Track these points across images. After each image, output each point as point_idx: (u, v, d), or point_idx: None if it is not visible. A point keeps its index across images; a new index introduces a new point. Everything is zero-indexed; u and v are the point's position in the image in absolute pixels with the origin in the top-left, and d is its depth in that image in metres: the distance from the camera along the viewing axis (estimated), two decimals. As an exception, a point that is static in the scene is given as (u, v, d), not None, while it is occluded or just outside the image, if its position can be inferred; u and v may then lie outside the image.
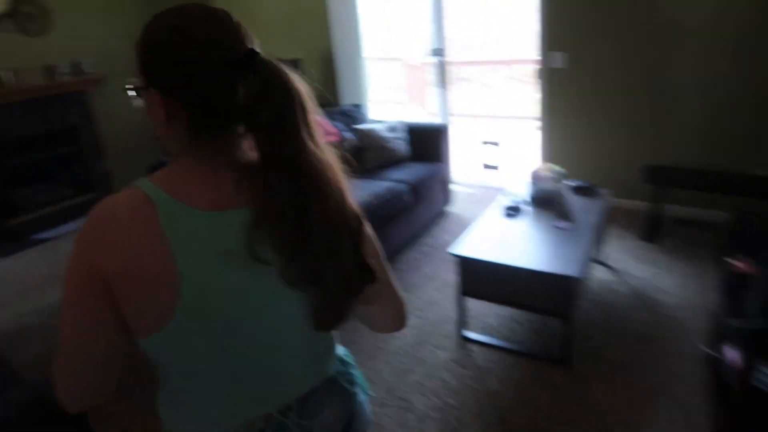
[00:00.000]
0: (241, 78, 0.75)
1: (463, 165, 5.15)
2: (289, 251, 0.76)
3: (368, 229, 0.87)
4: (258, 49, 0.78)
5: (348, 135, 4.00)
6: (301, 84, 0.79)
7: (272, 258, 0.77)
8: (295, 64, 5.00)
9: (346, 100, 5.15)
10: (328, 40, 5.08)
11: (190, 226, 0.75)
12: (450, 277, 3.28)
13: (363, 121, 4.27)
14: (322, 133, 0.82)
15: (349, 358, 1.05)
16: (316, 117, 0.81)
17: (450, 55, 4.81)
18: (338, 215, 0.79)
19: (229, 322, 0.79)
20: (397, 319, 0.97)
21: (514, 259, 2.48)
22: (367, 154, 3.99)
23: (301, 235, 0.76)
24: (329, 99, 5.28)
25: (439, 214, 4.23)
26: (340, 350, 1.03)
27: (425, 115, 6.70)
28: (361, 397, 1.02)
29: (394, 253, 3.62)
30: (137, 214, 0.74)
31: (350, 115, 4.21)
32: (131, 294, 0.74)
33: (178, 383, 0.85)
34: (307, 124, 0.78)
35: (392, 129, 4.09)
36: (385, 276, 0.91)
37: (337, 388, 0.96)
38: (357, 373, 1.04)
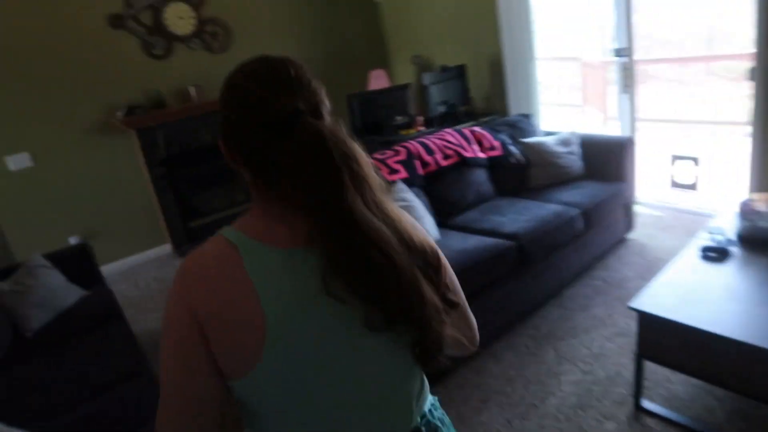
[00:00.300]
0: (284, 138, 0.77)
1: (648, 181, 4.44)
2: (365, 295, 0.77)
3: (443, 257, 0.90)
4: (304, 107, 0.80)
5: (513, 149, 3.62)
6: (350, 146, 0.79)
7: (349, 299, 0.77)
8: (460, 70, 4.72)
9: (515, 108, 4.74)
10: (497, 42, 4.71)
11: (271, 264, 0.78)
12: (627, 323, 2.76)
13: (532, 133, 3.85)
14: (382, 189, 0.83)
15: (439, 412, 1.01)
16: (372, 174, 0.81)
17: (639, 53, 4.15)
18: (407, 259, 0.79)
19: (314, 363, 0.80)
20: (471, 343, 0.97)
21: (715, 323, 1.93)
22: (534, 171, 3.58)
23: (371, 280, 0.76)
24: (496, 108, 4.92)
25: (618, 242, 3.64)
26: (429, 399, 1.00)
27: (604, 121, 5.98)
28: None
29: (559, 287, 3.18)
30: (223, 260, 0.78)
31: (517, 127, 3.81)
32: (223, 337, 0.77)
33: (269, 426, 0.85)
34: (359, 186, 0.78)
35: (564, 142, 3.62)
36: (463, 301, 0.93)
37: None
38: (445, 423, 1.01)
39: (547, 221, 2.99)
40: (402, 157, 3.20)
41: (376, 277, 0.76)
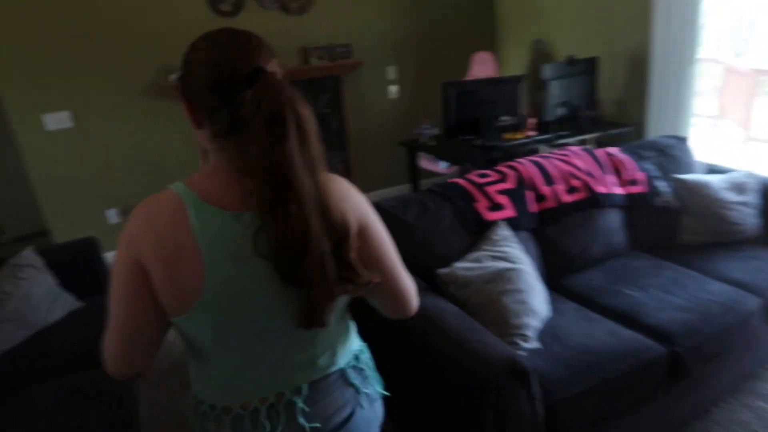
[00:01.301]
0: (243, 92, 0.83)
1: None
2: (279, 255, 0.84)
3: (376, 225, 0.99)
4: (269, 69, 0.87)
5: (662, 186, 2.61)
6: (302, 105, 0.84)
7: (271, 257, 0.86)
8: (590, 65, 3.68)
9: (656, 122, 3.66)
10: (645, 33, 3.62)
11: (214, 224, 0.86)
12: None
13: (687, 165, 2.80)
14: (321, 158, 0.86)
15: (366, 356, 1.12)
16: (315, 139, 0.85)
17: None
18: (320, 227, 0.85)
19: (241, 310, 0.90)
20: (400, 311, 1.06)
21: None
22: (688, 221, 2.56)
23: (287, 241, 0.83)
24: (630, 118, 3.84)
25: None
26: (357, 346, 1.10)
27: (745, 141, 4.77)
28: (369, 393, 1.08)
29: (705, 406, 2.18)
30: (171, 213, 0.86)
31: (668, 154, 2.78)
32: (165, 284, 0.86)
33: (202, 357, 0.97)
34: (302, 141, 0.83)
35: (738, 187, 2.56)
36: (390, 274, 1.01)
37: (343, 381, 1.04)
38: (371, 371, 1.11)
39: (713, 315, 2.00)
40: (510, 185, 2.29)
41: (288, 231, 0.82)
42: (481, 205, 2.16)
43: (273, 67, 0.89)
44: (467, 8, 4.88)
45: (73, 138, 3.80)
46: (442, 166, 4.16)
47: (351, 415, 1.04)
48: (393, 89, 4.77)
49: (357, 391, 1.05)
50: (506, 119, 3.41)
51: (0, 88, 3.58)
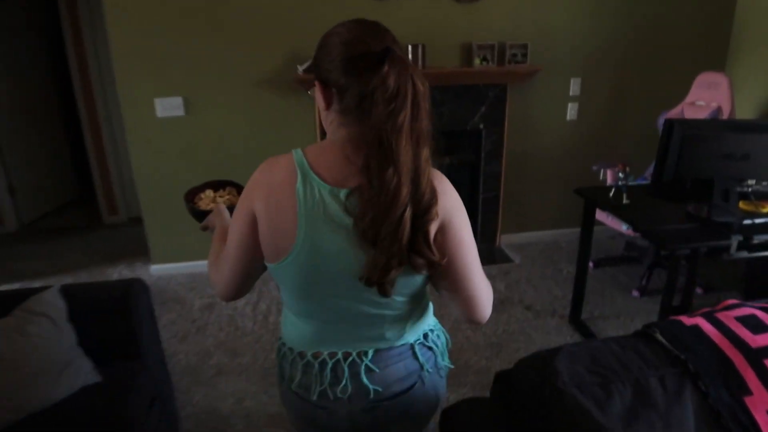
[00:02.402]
0: (373, 68, 0.88)
1: None
2: (363, 213, 0.90)
3: (460, 227, 0.99)
4: (395, 49, 0.90)
5: None
6: (422, 81, 0.89)
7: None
8: None
9: None
10: None
11: (315, 194, 0.93)
12: None
13: None
14: (427, 134, 0.91)
15: (436, 334, 1.16)
16: (426, 115, 0.90)
17: None
18: (408, 194, 0.89)
19: (323, 273, 0.97)
20: (470, 314, 1.06)
21: None
22: None
23: (374, 201, 0.89)
24: None
25: None
26: (429, 324, 1.15)
27: None
28: (433, 372, 1.14)
29: None
30: (284, 176, 0.95)
31: None
32: (266, 233, 0.97)
33: (288, 304, 1.10)
34: (414, 115, 0.88)
35: None
36: (461, 275, 1.01)
37: (411, 354, 1.10)
38: (439, 350, 1.15)
39: None
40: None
41: (378, 193, 0.88)
42: (760, 402, 1.09)
43: (398, 49, 0.92)
44: (694, 11, 3.59)
45: (183, 127, 3.27)
46: (625, 228, 3.04)
47: (411, 387, 1.11)
48: (573, 108, 3.66)
49: (422, 367, 1.11)
50: (756, 185, 2.21)
51: (114, 67, 3.14)
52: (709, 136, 2.12)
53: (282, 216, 0.94)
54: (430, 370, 1.12)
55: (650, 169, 3.52)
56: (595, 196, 2.57)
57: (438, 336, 1.17)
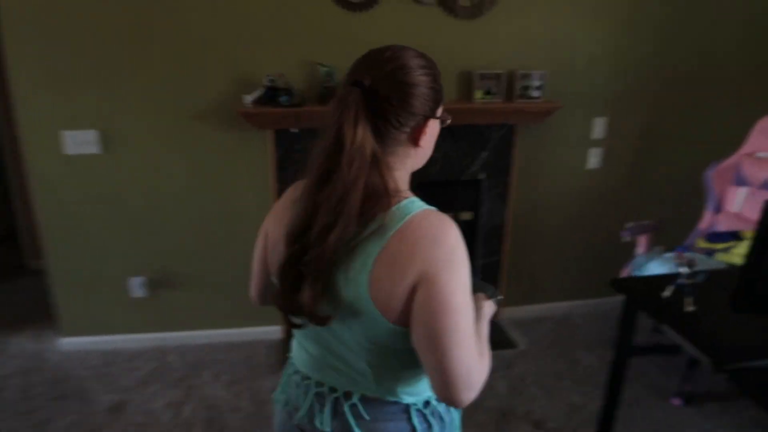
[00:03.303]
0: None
1: None
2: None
3: (443, 288, 0.82)
4: (368, 83, 0.86)
5: None
6: (362, 135, 0.85)
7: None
8: None
9: None
10: None
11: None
12: None
13: None
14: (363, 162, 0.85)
15: (440, 410, 1.04)
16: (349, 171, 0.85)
17: None
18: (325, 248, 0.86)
19: None
20: (439, 391, 0.87)
21: None
22: None
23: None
24: None
25: None
26: (431, 397, 1.03)
27: None
28: None
29: None
30: (290, 198, 0.97)
31: None
32: (270, 249, 1.02)
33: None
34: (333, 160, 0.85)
35: None
36: (436, 344, 0.83)
37: (402, 418, 1.00)
38: (444, 426, 1.04)
39: None
40: None
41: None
42: None
43: (384, 79, 0.87)
44: (742, 44, 2.90)
45: (100, 167, 2.54)
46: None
47: None
48: (595, 154, 2.95)
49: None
50: None
51: (11, 91, 2.42)
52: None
53: (278, 235, 0.96)
54: None
55: (693, 237, 2.79)
56: (641, 293, 1.83)
57: (447, 410, 1.06)
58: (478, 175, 2.81)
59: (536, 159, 2.89)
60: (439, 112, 0.93)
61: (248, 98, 2.38)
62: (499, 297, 1.12)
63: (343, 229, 0.82)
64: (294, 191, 0.97)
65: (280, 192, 2.63)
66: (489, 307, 1.08)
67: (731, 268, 2.23)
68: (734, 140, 2.72)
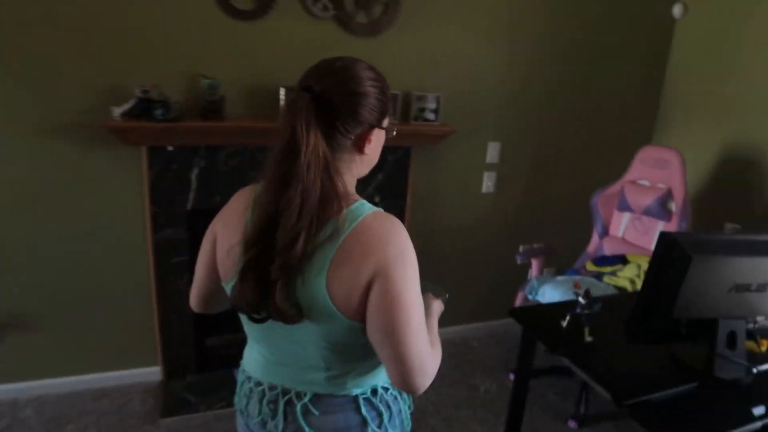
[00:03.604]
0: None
1: None
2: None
3: (396, 283, 0.87)
4: (319, 89, 0.91)
5: None
6: (315, 137, 0.90)
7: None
8: None
9: None
10: None
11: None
12: None
13: None
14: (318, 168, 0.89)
15: (393, 395, 1.08)
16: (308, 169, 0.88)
17: None
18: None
19: None
20: (395, 378, 0.93)
21: None
22: None
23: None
24: None
25: None
26: (379, 382, 1.06)
27: None
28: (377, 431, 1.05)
29: None
30: (241, 201, 1.00)
31: None
32: (219, 251, 1.02)
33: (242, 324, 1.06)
34: (289, 160, 0.89)
35: None
36: (391, 335, 0.89)
37: (351, 408, 1.03)
38: (389, 413, 1.07)
39: None
40: None
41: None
42: None
43: (333, 87, 0.92)
44: (626, 79, 3.06)
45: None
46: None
47: None
48: (489, 178, 2.95)
49: (365, 422, 1.04)
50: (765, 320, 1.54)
51: None
52: (720, 261, 1.41)
53: (232, 240, 0.96)
54: (375, 429, 1.05)
55: (582, 260, 2.86)
56: (537, 324, 1.79)
57: (395, 399, 1.09)
58: (373, 198, 2.70)
59: (433, 182, 2.84)
60: (386, 123, 0.98)
61: (117, 111, 2.10)
62: (446, 295, 1.21)
63: (308, 233, 0.85)
64: (242, 196, 1.01)
65: (155, 217, 2.35)
66: (438, 306, 1.17)
67: (623, 295, 2.28)
68: (618, 168, 2.83)
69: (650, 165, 2.63)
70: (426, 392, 2.65)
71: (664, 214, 2.53)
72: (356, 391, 1.03)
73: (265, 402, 1.05)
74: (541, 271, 2.79)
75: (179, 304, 2.52)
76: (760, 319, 1.53)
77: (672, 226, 2.54)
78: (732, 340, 1.50)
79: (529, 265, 2.83)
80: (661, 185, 2.57)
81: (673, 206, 2.53)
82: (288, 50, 2.35)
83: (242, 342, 1.14)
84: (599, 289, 2.38)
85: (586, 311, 1.62)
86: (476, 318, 3.23)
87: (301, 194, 0.84)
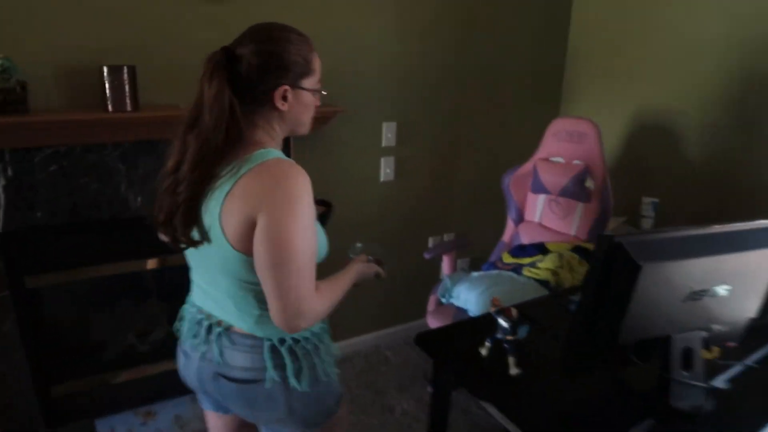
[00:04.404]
0: None
1: None
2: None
3: (275, 225, 0.93)
4: (240, 51, 1.02)
5: None
6: (209, 87, 1.01)
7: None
8: None
9: None
10: None
11: None
12: None
13: None
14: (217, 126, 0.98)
15: (303, 350, 1.10)
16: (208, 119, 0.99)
17: None
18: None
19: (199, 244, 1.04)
20: (274, 316, 0.99)
21: None
22: None
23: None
24: None
25: None
26: (302, 334, 1.11)
27: None
28: (279, 383, 1.08)
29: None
30: None
31: None
32: None
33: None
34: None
35: None
36: (264, 274, 0.96)
37: (258, 350, 1.08)
38: (293, 367, 1.08)
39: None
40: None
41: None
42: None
43: (246, 47, 1.01)
44: (530, 44, 2.76)
45: None
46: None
47: (252, 381, 1.09)
48: (387, 165, 2.56)
49: (266, 368, 1.07)
50: (720, 327, 1.25)
51: None
52: (674, 267, 1.07)
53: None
54: (275, 378, 1.08)
55: (498, 251, 2.54)
56: (451, 353, 1.40)
57: (306, 353, 1.11)
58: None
59: (320, 172, 2.39)
60: (307, 84, 1.05)
61: None
62: (381, 250, 1.32)
63: (205, 167, 0.97)
64: None
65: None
66: (364, 267, 1.26)
67: (552, 297, 1.96)
68: (532, 145, 2.53)
69: (564, 139, 2.34)
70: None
71: (582, 194, 2.25)
72: (261, 335, 1.08)
73: (192, 323, 1.16)
74: (454, 267, 2.45)
75: (7, 351, 1.96)
76: (716, 327, 1.23)
77: (592, 207, 2.26)
78: (688, 358, 1.19)
79: (441, 262, 2.48)
80: (577, 161, 2.28)
81: (592, 184, 2.25)
82: (113, 19, 1.81)
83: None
84: (518, 287, 2.06)
85: (509, 337, 1.26)
86: (388, 323, 2.86)
87: (197, 136, 0.98)
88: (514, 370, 1.25)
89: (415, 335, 1.44)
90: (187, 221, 0.99)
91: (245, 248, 0.97)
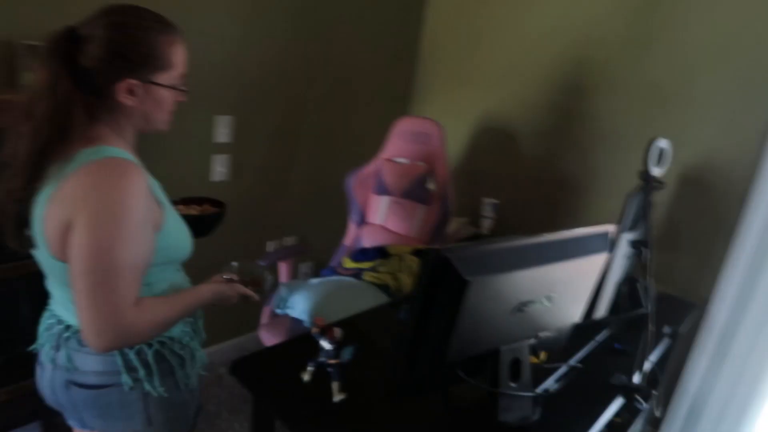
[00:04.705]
0: None
1: None
2: None
3: (84, 232, 0.85)
4: (83, 31, 0.91)
5: None
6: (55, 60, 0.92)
7: None
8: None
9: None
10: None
11: None
12: None
13: None
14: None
15: (158, 354, 1.03)
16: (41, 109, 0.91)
17: None
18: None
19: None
20: (84, 332, 0.89)
21: None
22: None
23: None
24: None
25: None
26: (160, 338, 1.04)
27: None
28: (136, 389, 1.02)
29: None
30: None
31: None
32: None
33: None
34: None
35: None
36: (74, 288, 0.88)
37: (108, 354, 0.99)
38: (149, 372, 1.02)
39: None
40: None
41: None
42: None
43: (90, 29, 0.91)
44: (392, 38, 2.67)
45: None
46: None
47: (106, 386, 1.02)
48: (221, 162, 2.32)
49: (118, 371, 1.01)
50: (546, 333, 1.23)
51: None
52: (501, 280, 1.00)
53: None
54: (130, 383, 1.01)
55: (339, 255, 2.42)
56: (270, 382, 1.23)
57: (162, 359, 1.03)
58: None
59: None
60: (163, 79, 0.95)
61: None
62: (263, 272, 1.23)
63: (35, 165, 0.88)
64: None
65: None
66: (225, 288, 1.15)
67: (387, 303, 1.86)
68: (378, 145, 2.43)
69: (408, 139, 2.27)
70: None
71: (424, 196, 2.20)
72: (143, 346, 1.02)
73: (44, 328, 1.07)
74: (293, 275, 2.27)
75: None
76: (543, 334, 1.20)
77: (434, 209, 2.22)
78: (516, 368, 1.14)
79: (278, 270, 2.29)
80: (420, 162, 2.23)
81: (434, 186, 2.21)
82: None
83: None
84: (357, 294, 1.94)
85: (331, 360, 1.12)
86: (222, 337, 2.61)
87: (31, 127, 0.88)
88: (337, 397, 1.11)
89: (230, 363, 1.25)
90: (17, 224, 0.93)
91: (63, 256, 0.90)
